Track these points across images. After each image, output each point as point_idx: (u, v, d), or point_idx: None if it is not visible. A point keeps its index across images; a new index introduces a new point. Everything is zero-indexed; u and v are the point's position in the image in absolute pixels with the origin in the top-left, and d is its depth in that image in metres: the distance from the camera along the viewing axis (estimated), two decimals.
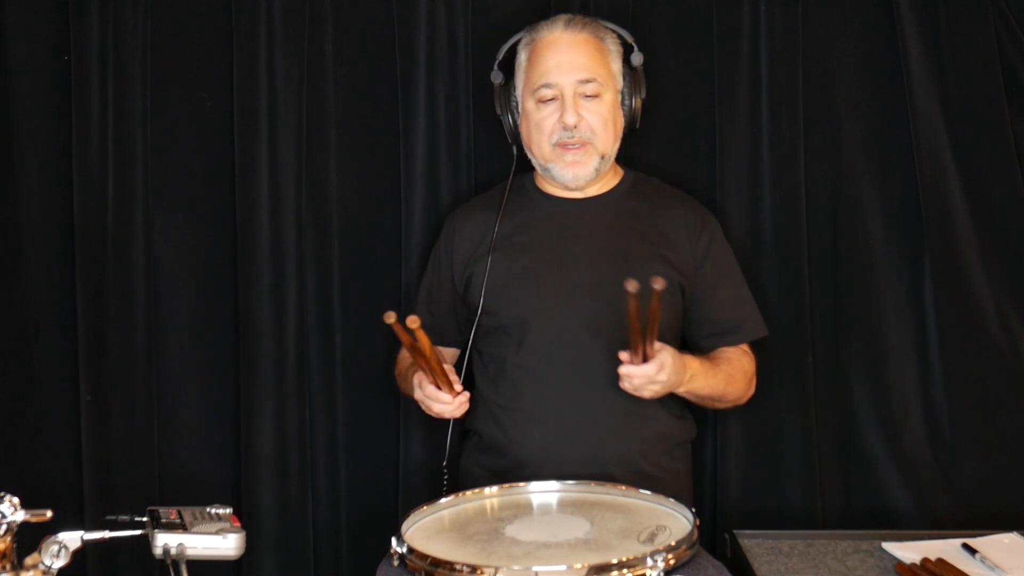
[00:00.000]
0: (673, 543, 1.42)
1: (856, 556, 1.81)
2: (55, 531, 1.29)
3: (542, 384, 1.97)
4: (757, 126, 2.34)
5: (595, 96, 1.99)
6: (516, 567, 1.39)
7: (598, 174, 2.03)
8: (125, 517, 1.36)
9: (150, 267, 2.36)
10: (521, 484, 1.73)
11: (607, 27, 2.06)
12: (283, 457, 2.35)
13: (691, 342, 2.09)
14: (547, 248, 2.04)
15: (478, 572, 1.38)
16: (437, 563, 1.41)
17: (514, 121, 2.09)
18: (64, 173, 2.33)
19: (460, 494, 1.71)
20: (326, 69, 2.36)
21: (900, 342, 2.35)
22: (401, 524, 1.56)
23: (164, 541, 1.31)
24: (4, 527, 1.25)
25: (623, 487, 1.71)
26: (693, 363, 1.91)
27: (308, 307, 2.38)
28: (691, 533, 1.46)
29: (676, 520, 1.57)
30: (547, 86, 1.99)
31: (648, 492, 1.67)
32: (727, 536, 1.92)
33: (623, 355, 1.80)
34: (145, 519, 1.36)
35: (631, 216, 2.06)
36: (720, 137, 2.35)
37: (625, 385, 1.83)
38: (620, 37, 2.08)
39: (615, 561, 1.37)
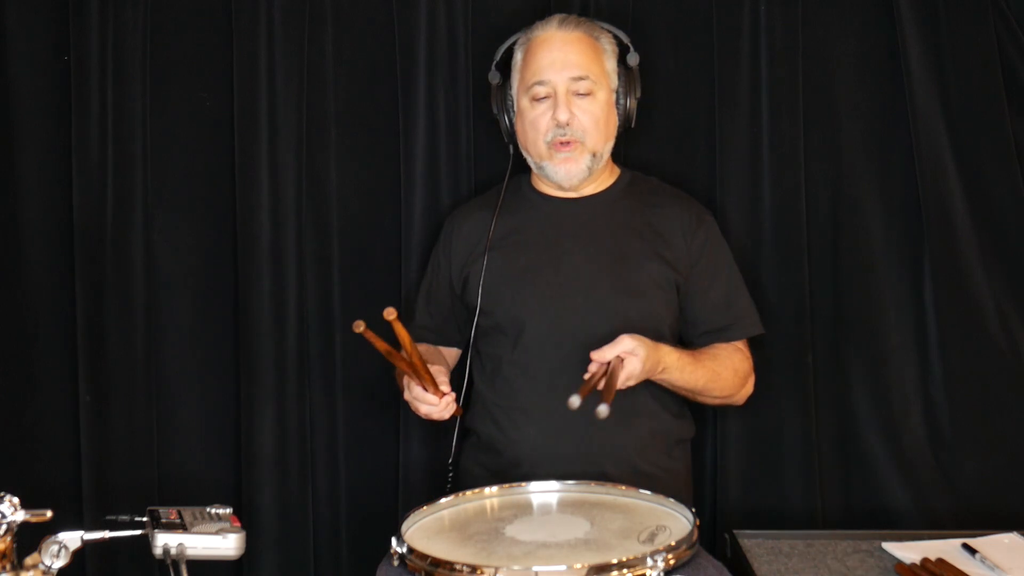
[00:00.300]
0: (673, 543, 1.42)
1: (856, 556, 1.81)
2: (55, 531, 1.29)
3: (538, 382, 1.98)
4: (757, 126, 2.34)
5: (588, 94, 1.99)
6: (516, 567, 1.39)
7: (591, 172, 2.04)
8: (125, 517, 1.36)
9: (150, 267, 2.36)
10: (521, 484, 1.73)
11: (602, 27, 2.07)
12: (283, 457, 2.35)
13: (686, 339, 2.09)
14: (543, 247, 2.04)
15: (478, 572, 1.38)
16: (437, 563, 1.41)
17: (510, 120, 2.10)
18: (64, 173, 2.33)
19: (460, 494, 1.71)
20: (326, 69, 2.36)
21: (900, 342, 2.35)
22: (401, 524, 1.56)
23: (164, 541, 1.31)
24: (4, 527, 1.25)
25: (623, 487, 1.71)
26: (669, 355, 1.91)
27: (308, 307, 2.38)
28: (691, 533, 1.46)
29: (676, 520, 1.57)
30: (540, 84, 1.99)
31: (648, 492, 1.67)
32: (727, 536, 1.92)
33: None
34: (145, 519, 1.36)
35: (627, 215, 2.07)
36: (720, 137, 2.35)
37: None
38: (616, 37, 2.08)
39: (615, 561, 1.37)
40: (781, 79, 2.34)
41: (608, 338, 1.83)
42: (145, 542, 1.33)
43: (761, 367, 2.14)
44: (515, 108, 2.08)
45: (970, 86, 2.32)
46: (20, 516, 1.26)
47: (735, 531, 1.91)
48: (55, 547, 1.28)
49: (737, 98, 2.34)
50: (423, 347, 2.15)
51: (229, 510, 1.41)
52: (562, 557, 1.44)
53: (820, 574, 1.74)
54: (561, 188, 2.07)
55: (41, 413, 2.38)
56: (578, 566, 1.36)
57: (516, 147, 2.11)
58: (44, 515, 1.28)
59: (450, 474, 2.07)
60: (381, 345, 1.72)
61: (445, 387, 1.87)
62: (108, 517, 1.35)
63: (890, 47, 2.33)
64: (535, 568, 1.37)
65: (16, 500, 1.26)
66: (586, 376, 1.79)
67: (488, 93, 2.13)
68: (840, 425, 2.37)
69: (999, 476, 2.32)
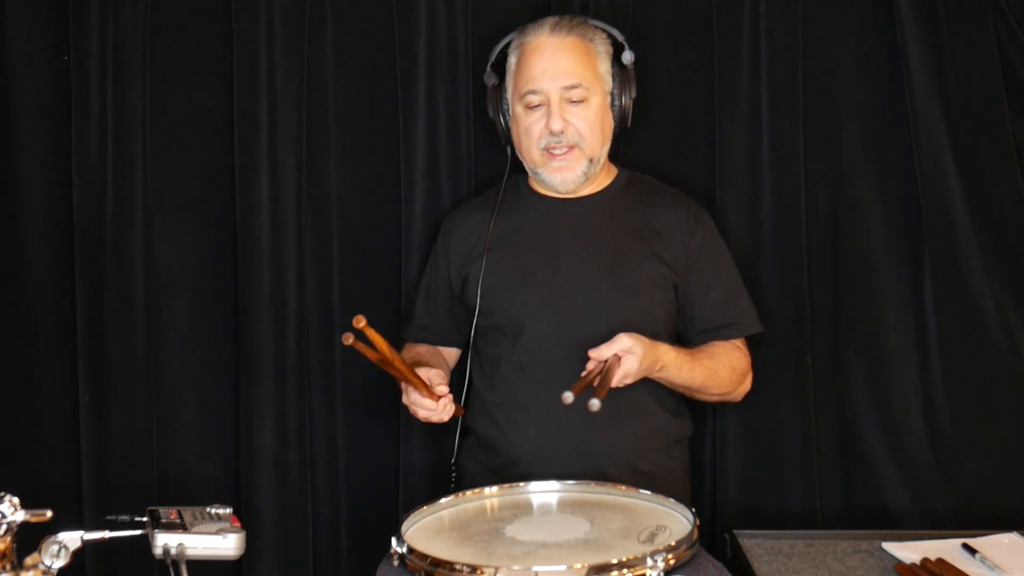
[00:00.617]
0: (673, 543, 1.42)
1: (856, 556, 1.81)
2: (55, 531, 1.29)
3: (537, 381, 1.98)
4: (757, 126, 2.34)
5: (581, 101, 1.99)
6: (516, 567, 1.39)
7: (587, 177, 2.04)
8: (125, 517, 1.36)
9: (150, 267, 2.36)
10: (521, 484, 1.73)
11: (596, 27, 2.05)
12: (283, 457, 2.35)
13: (685, 338, 2.09)
14: (542, 248, 2.04)
15: (478, 572, 1.38)
16: (437, 563, 1.41)
17: (506, 123, 2.10)
18: (64, 173, 2.33)
19: (460, 494, 1.71)
20: (326, 69, 2.36)
21: (900, 342, 2.35)
22: (401, 524, 1.56)
23: (164, 541, 1.31)
24: (4, 527, 1.25)
25: (623, 487, 1.70)
26: (667, 353, 1.91)
27: (308, 307, 2.38)
28: (691, 533, 1.46)
29: (676, 520, 1.57)
30: (533, 92, 1.99)
31: (648, 492, 1.67)
32: (727, 536, 1.92)
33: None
34: (145, 519, 1.36)
35: (624, 215, 2.07)
36: (720, 137, 2.35)
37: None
38: (610, 35, 2.07)
39: (615, 561, 1.37)
40: (781, 79, 2.34)
41: (606, 337, 1.83)
42: (145, 542, 1.33)
43: (761, 367, 2.14)
44: (511, 112, 2.08)
45: (970, 86, 2.32)
46: (20, 516, 1.26)
47: (735, 531, 1.91)
48: (55, 547, 1.28)
49: (737, 98, 2.34)
50: (422, 347, 2.15)
51: (229, 510, 1.41)
52: (562, 557, 1.44)
53: (820, 574, 1.74)
54: (558, 192, 2.07)
55: (41, 413, 2.38)
56: (578, 566, 1.36)
57: (514, 149, 2.11)
58: (44, 515, 1.28)
59: (453, 475, 2.07)
60: (372, 355, 1.73)
61: (441, 389, 1.87)
62: (108, 517, 1.35)
63: (890, 47, 2.33)
64: (535, 568, 1.37)
65: (16, 500, 1.26)
66: (583, 374, 1.79)
67: (480, 97, 2.14)
68: (840, 425, 2.37)
69: (999, 476, 2.32)
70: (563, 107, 1.98)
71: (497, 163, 2.20)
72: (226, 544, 1.33)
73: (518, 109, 2.04)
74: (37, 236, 2.35)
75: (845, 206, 2.37)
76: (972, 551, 1.76)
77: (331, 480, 2.41)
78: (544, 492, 1.72)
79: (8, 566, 1.26)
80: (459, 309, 2.13)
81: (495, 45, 2.11)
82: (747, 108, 2.34)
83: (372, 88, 2.39)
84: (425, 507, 1.65)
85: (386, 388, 2.21)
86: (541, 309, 2.00)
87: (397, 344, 2.20)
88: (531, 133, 2.01)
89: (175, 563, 1.30)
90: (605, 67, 2.04)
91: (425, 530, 1.59)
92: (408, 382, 1.84)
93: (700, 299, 2.06)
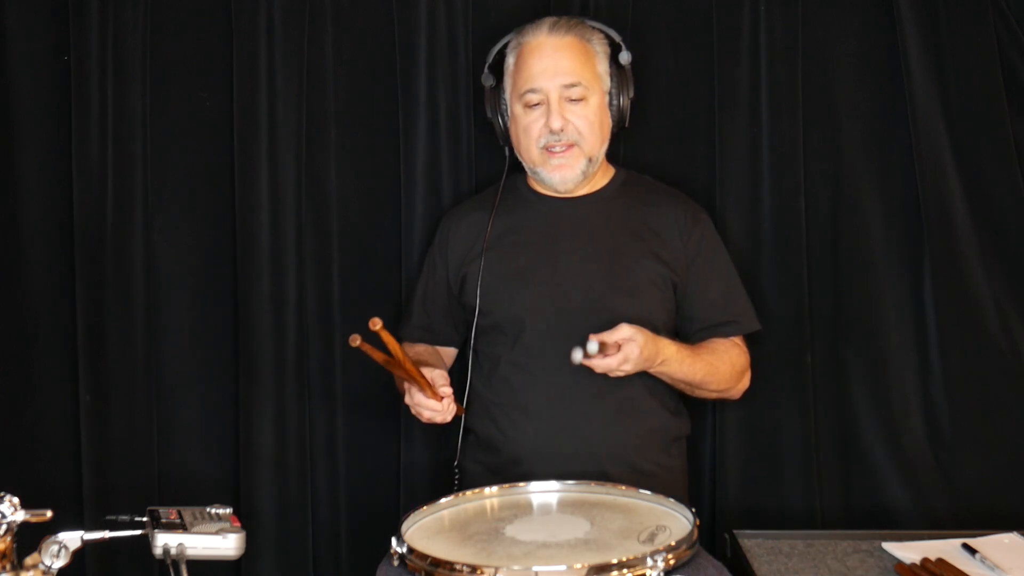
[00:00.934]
0: (673, 543, 1.42)
1: (856, 556, 1.81)
2: (55, 531, 1.29)
3: (536, 380, 1.99)
4: (757, 126, 2.34)
5: (581, 100, 2.00)
6: (516, 567, 1.39)
7: (585, 176, 2.05)
8: (125, 517, 1.36)
9: (150, 267, 2.35)
10: (521, 484, 1.73)
11: (594, 27, 2.07)
12: (283, 457, 2.35)
13: (683, 336, 2.09)
14: (540, 247, 2.05)
15: (478, 572, 1.38)
16: (437, 563, 1.41)
17: (504, 123, 2.11)
18: (64, 173, 2.33)
19: (460, 494, 1.71)
20: (326, 69, 2.36)
21: (900, 342, 2.35)
22: (401, 524, 1.56)
23: (164, 541, 1.31)
24: (4, 527, 1.25)
25: (623, 487, 1.71)
26: (668, 348, 1.92)
27: (308, 307, 2.38)
28: (691, 533, 1.46)
29: (676, 520, 1.57)
30: (532, 91, 2.00)
31: (648, 492, 1.67)
32: (727, 536, 1.92)
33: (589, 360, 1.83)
34: (145, 519, 1.36)
35: (623, 214, 2.07)
36: (720, 137, 2.35)
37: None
38: (608, 36, 2.08)
39: (615, 561, 1.37)
40: (781, 79, 2.33)
41: None
42: (145, 542, 1.33)
43: (760, 366, 2.14)
44: (509, 112, 2.08)
45: (970, 86, 2.32)
46: (20, 516, 1.26)
47: (735, 531, 1.92)
48: (55, 547, 1.28)
49: (737, 98, 2.34)
50: (421, 347, 2.16)
51: (229, 510, 1.41)
52: (562, 557, 1.44)
53: (820, 574, 1.74)
54: (557, 191, 2.07)
55: (41, 413, 2.38)
56: (578, 566, 1.36)
57: (512, 149, 2.12)
58: (44, 515, 1.28)
59: (456, 476, 2.07)
60: (379, 356, 1.73)
61: (444, 389, 1.88)
62: (108, 517, 1.35)
63: (890, 47, 2.33)
64: (535, 568, 1.37)
65: (16, 500, 1.26)
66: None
67: (480, 97, 2.14)
68: (840, 425, 2.37)
69: (999, 476, 2.32)
70: (562, 105, 1.98)
71: (497, 163, 2.20)
72: (226, 544, 1.33)
73: (517, 109, 2.04)
74: (37, 236, 2.35)
75: (845, 206, 2.37)
76: (972, 551, 1.76)
77: (331, 480, 2.41)
78: (544, 492, 1.72)
79: (8, 566, 1.26)
80: (457, 308, 2.13)
81: (493, 46, 2.12)
82: (747, 108, 2.34)
83: (372, 88, 2.39)
84: (425, 507, 1.65)
85: (386, 389, 2.21)
86: (540, 308, 2.00)
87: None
88: (530, 132, 2.01)
89: (175, 563, 1.30)
90: (603, 66, 2.04)
91: (425, 530, 1.59)
92: (414, 382, 1.84)
93: (699, 298, 2.06)
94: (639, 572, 1.37)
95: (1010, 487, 2.31)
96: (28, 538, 1.29)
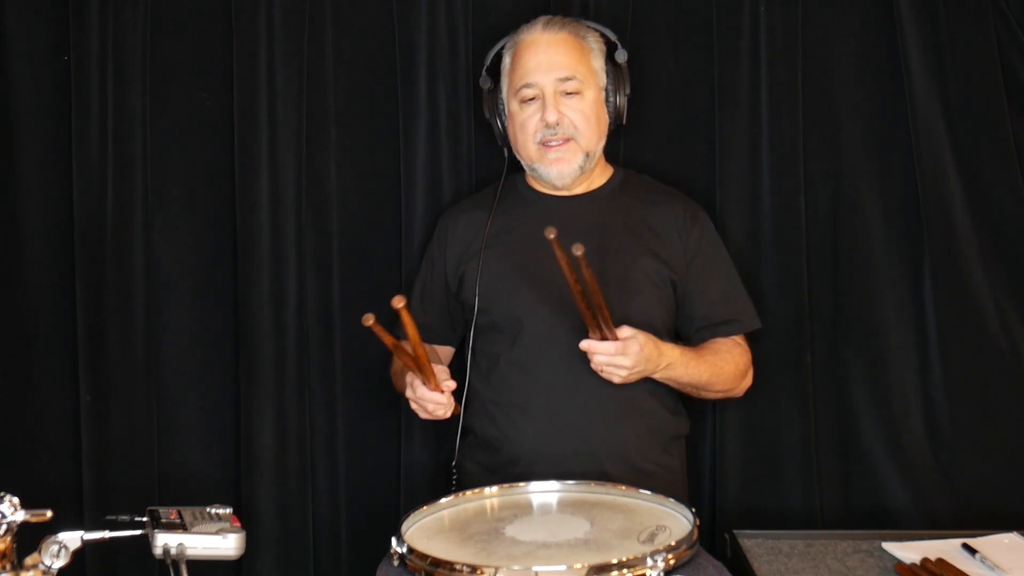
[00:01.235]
0: (673, 543, 1.42)
1: (856, 556, 1.81)
2: (55, 531, 1.29)
3: (535, 379, 1.99)
4: (757, 126, 2.34)
5: (576, 93, 2.01)
6: (516, 567, 1.38)
7: (583, 171, 2.05)
8: (125, 517, 1.36)
9: (150, 267, 2.35)
10: (521, 484, 1.73)
11: (589, 26, 2.08)
12: (283, 457, 2.35)
13: (684, 336, 2.10)
14: (539, 246, 2.03)
15: (478, 572, 1.38)
16: (437, 563, 1.41)
17: (503, 124, 2.11)
18: (64, 173, 2.33)
19: (460, 494, 1.71)
20: (326, 69, 2.36)
21: (900, 342, 2.35)
22: (401, 524, 1.56)
23: (164, 541, 1.31)
24: (4, 527, 1.25)
25: (623, 487, 1.70)
26: (672, 351, 1.92)
27: (308, 307, 2.38)
28: (691, 533, 1.46)
29: (676, 520, 1.57)
30: (528, 86, 2.01)
31: (648, 492, 1.67)
32: (727, 536, 1.92)
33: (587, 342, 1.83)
34: (145, 519, 1.36)
35: (621, 213, 2.08)
36: (720, 137, 2.35)
37: (592, 364, 1.85)
38: (603, 35, 2.09)
39: (615, 561, 1.37)
40: (781, 79, 2.34)
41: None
42: (145, 542, 1.33)
43: (760, 366, 2.14)
44: (506, 111, 2.08)
45: (970, 86, 2.32)
46: (20, 516, 1.26)
47: (735, 531, 1.92)
48: (55, 547, 1.28)
49: (737, 98, 2.34)
50: None
51: (229, 510, 1.41)
52: (562, 557, 1.44)
53: (820, 574, 1.74)
54: (554, 187, 2.07)
55: (41, 413, 2.38)
56: (578, 566, 1.36)
57: (511, 150, 2.12)
58: (44, 515, 1.28)
59: (454, 476, 2.07)
60: (388, 339, 1.71)
61: (450, 384, 1.88)
62: (108, 517, 1.35)
63: (890, 47, 2.33)
64: (535, 568, 1.37)
65: (16, 500, 1.26)
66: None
67: (480, 98, 2.14)
68: (840, 425, 2.37)
69: (999, 476, 2.32)
70: (557, 99, 1.99)
71: (497, 163, 2.20)
72: (226, 544, 1.33)
73: (513, 106, 2.05)
74: (37, 236, 2.35)
75: (845, 206, 2.37)
76: (972, 551, 1.76)
77: (331, 480, 2.41)
78: (544, 492, 1.72)
79: (8, 566, 1.26)
80: (455, 307, 2.13)
81: (493, 46, 2.13)
82: (747, 108, 2.34)
83: (372, 88, 2.39)
84: (425, 507, 1.65)
85: (386, 387, 2.22)
86: (539, 307, 2.00)
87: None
88: (527, 128, 2.02)
89: (175, 563, 1.30)
90: (599, 63, 2.06)
91: (425, 530, 1.59)
92: (418, 372, 1.84)
93: (699, 296, 2.06)
94: (639, 572, 1.37)
95: (1010, 487, 2.31)
96: (28, 538, 1.29)
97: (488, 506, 1.69)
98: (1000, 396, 2.33)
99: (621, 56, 2.08)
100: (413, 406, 1.91)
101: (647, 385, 1.98)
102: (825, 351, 2.36)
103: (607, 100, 2.07)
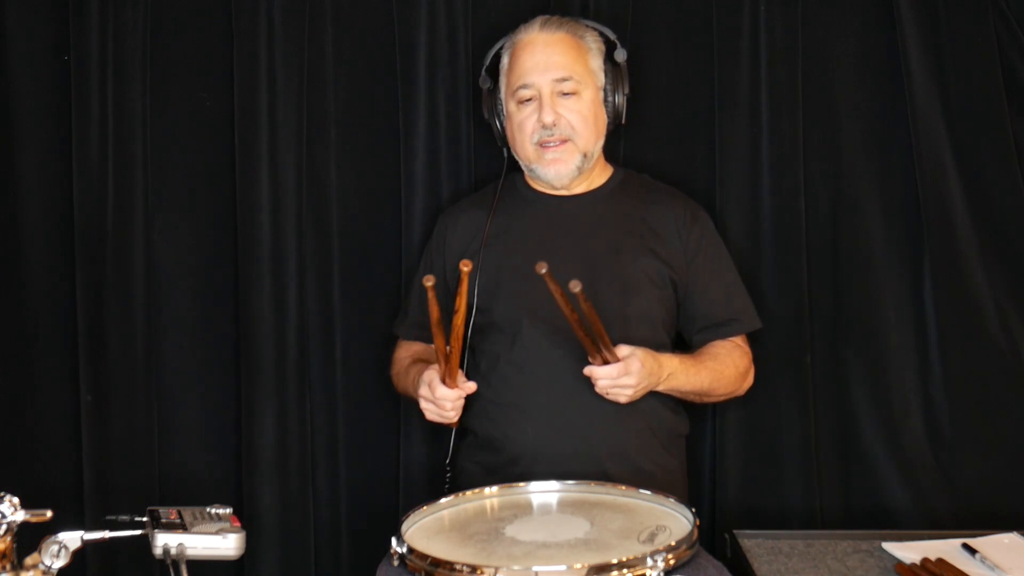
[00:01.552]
0: (673, 543, 1.42)
1: (856, 556, 1.81)
2: (55, 531, 1.29)
3: (535, 379, 1.98)
4: (757, 126, 2.34)
5: (573, 94, 2.00)
6: (516, 567, 1.38)
7: (580, 172, 2.05)
8: (125, 517, 1.36)
9: (150, 267, 2.36)
10: (521, 484, 1.73)
11: (587, 25, 2.08)
12: (283, 457, 2.35)
13: (685, 336, 2.10)
14: (539, 245, 2.04)
15: (478, 572, 1.38)
16: (437, 563, 1.41)
17: (501, 125, 2.11)
18: (64, 173, 2.33)
19: (460, 494, 1.71)
20: (326, 69, 2.37)
21: (900, 342, 2.35)
22: (401, 524, 1.56)
23: (164, 541, 1.31)
24: (4, 527, 1.25)
25: (623, 487, 1.70)
26: (671, 362, 1.92)
27: (308, 307, 2.38)
28: (691, 533, 1.46)
29: (676, 520, 1.57)
30: (525, 87, 2.01)
31: (648, 492, 1.67)
32: (727, 536, 1.92)
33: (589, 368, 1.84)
34: (145, 519, 1.36)
35: (621, 212, 2.08)
36: (720, 137, 2.35)
37: (596, 389, 1.87)
38: (602, 34, 2.08)
39: (615, 561, 1.37)
40: (781, 79, 2.34)
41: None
42: (145, 542, 1.33)
43: (760, 367, 2.14)
44: (505, 112, 2.09)
45: (970, 86, 2.32)
46: (20, 516, 1.26)
47: (735, 531, 1.92)
48: (55, 547, 1.28)
49: (737, 98, 2.34)
50: (418, 346, 2.16)
51: (229, 510, 1.41)
52: (562, 557, 1.44)
53: (820, 574, 1.74)
54: (554, 187, 2.07)
55: (41, 413, 2.38)
56: (578, 566, 1.36)
57: (510, 151, 2.12)
58: (44, 515, 1.28)
59: (448, 475, 2.06)
60: (436, 312, 1.72)
61: (469, 385, 1.88)
62: (108, 517, 1.35)
63: (890, 47, 2.33)
64: (535, 568, 1.37)
65: (16, 500, 1.26)
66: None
67: (480, 98, 2.14)
68: (840, 425, 2.37)
69: (999, 476, 2.32)
70: (554, 100, 1.99)
71: (496, 163, 2.20)
72: (226, 544, 1.33)
73: (511, 106, 2.05)
74: (37, 236, 2.35)
75: (845, 206, 2.37)
76: (972, 551, 1.76)
77: (331, 480, 2.41)
78: (544, 492, 1.72)
79: (8, 566, 1.26)
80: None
81: (492, 47, 2.12)
82: (747, 108, 2.34)
83: (372, 88, 2.39)
84: (425, 507, 1.65)
85: (386, 388, 2.22)
86: (538, 307, 1.99)
87: (391, 342, 2.21)
88: (524, 128, 2.02)
89: (175, 563, 1.30)
90: (597, 63, 2.05)
91: (425, 530, 1.59)
92: (447, 362, 1.83)
93: (700, 296, 2.06)
94: (639, 572, 1.37)
95: (1010, 487, 2.31)
96: (28, 538, 1.29)
97: (488, 506, 1.69)
98: (1000, 396, 2.33)
99: (620, 55, 2.08)
100: (424, 405, 1.90)
101: None
102: (825, 351, 2.36)
103: (606, 100, 2.07)
